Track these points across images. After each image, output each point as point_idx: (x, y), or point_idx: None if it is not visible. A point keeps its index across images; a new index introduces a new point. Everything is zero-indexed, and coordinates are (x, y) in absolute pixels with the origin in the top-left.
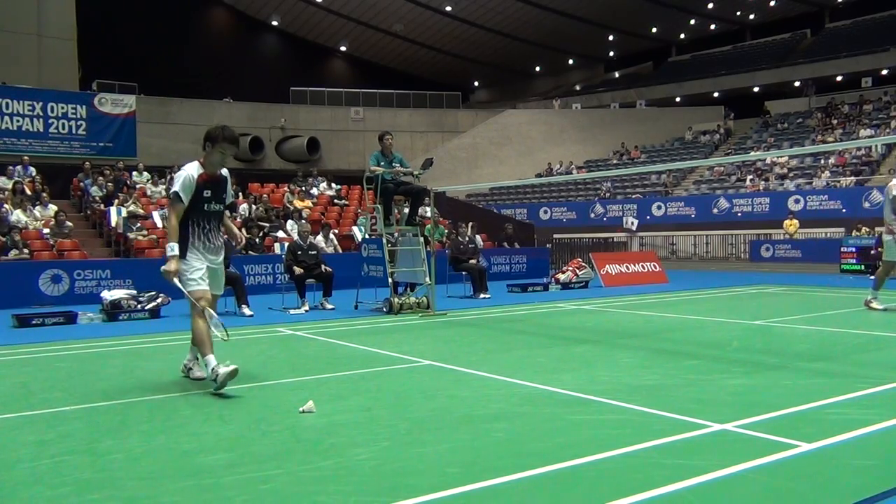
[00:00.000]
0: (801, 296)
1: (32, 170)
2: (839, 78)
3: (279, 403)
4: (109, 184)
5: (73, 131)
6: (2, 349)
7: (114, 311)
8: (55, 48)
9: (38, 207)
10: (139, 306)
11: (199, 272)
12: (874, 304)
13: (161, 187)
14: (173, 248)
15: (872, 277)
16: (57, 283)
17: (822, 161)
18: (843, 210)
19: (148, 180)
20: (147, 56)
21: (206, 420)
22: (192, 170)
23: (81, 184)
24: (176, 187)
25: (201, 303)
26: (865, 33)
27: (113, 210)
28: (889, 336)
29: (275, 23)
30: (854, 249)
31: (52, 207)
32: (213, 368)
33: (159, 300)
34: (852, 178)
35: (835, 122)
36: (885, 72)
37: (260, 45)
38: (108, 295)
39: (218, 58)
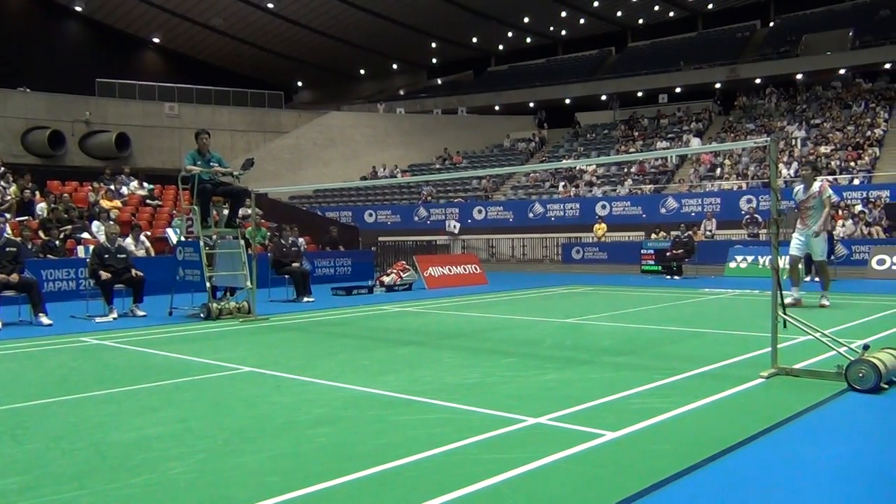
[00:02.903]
0: (607, 295)
1: None
2: (640, 93)
3: (83, 419)
4: None
5: None
6: None
7: None
8: None
9: None
10: None
11: None
12: (825, 302)
13: None
14: None
15: (817, 280)
16: None
17: (626, 170)
18: (644, 215)
19: None
20: None
21: None
22: None
23: None
24: None
25: None
26: (662, 53)
27: None
28: (681, 330)
29: (78, 8)
30: (652, 251)
31: None
32: None
33: None
34: (651, 186)
35: (636, 134)
36: (678, 89)
37: (61, 32)
38: None
39: (11, 43)
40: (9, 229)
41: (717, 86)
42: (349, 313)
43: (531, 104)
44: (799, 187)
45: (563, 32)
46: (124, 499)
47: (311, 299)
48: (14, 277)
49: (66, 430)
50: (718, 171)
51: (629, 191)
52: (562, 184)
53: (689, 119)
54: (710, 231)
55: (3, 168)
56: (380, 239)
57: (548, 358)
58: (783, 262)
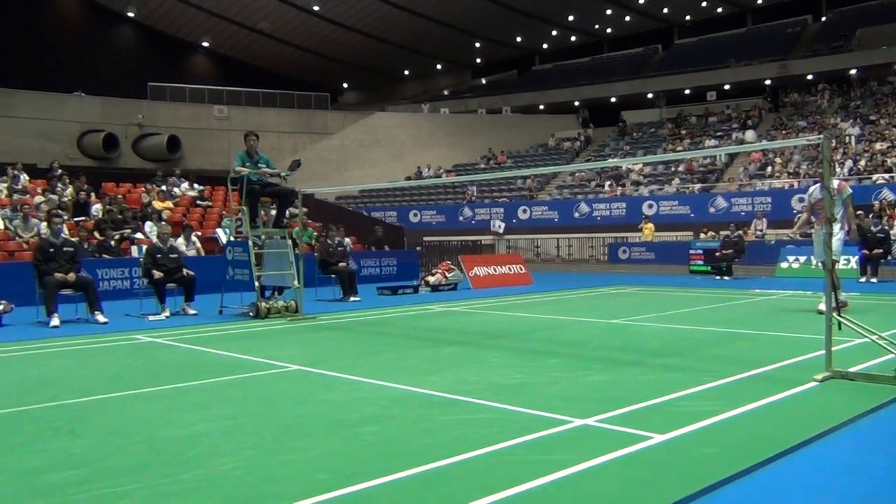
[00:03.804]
0: (655, 295)
1: None
2: (687, 91)
3: (137, 414)
4: None
5: None
6: None
7: None
8: None
9: None
10: None
11: None
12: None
13: (2, 185)
14: None
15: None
16: None
17: (673, 169)
18: (692, 215)
19: None
20: None
21: (54, 435)
22: None
23: None
24: None
25: None
26: (709, 50)
27: None
28: (731, 332)
29: (130, 14)
30: (701, 251)
31: None
32: None
33: (0, 307)
34: (699, 185)
35: (683, 132)
36: (727, 86)
37: (114, 37)
38: None
39: (67, 49)
40: (66, 230)
41: (767, 82)
42: (395, 313)
43: (576, 103)
44: (814, 186)
45: (609, 30)
46: (177, 493)
47: (357, 299)
48: (71, 276)
49: (120, 425)
50: (769, 169)
51: (677, 190)
52: (608, 183)
53: (739, 116)
54: (761, 231)
55: (59, 170)
56: (425, 239)
57: (594, 359)
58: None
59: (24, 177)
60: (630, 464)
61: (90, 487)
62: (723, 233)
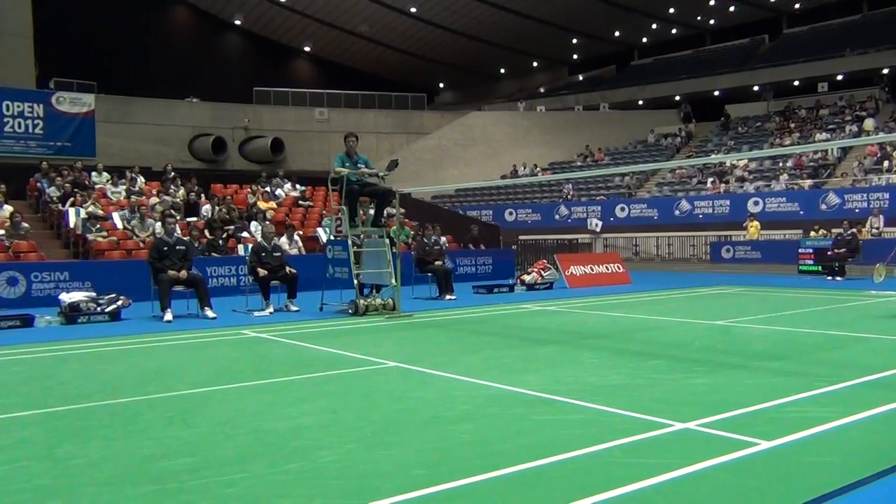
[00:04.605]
0: (761, 296)
1: None
2: (796, 83)
3: (243, 406)
4: (67, 184)
5: (30, 130)
6: None
7: (72, 314)
8: (12, 46)
9: None
10: (99, 309)
11: None
12: None
13: (122, 188)
14: None
15: None
16: (13, 286)
17: (781, 164)
18: (801, 212)
19: (107, 181)
20: (106, 54)
21: (168, 424)
22: None
23: (38, 184)
24: None
25: None
26: (821, 39)
27: (71, 211)
28: (844, 335)
29: (238, 22)
30: (811, 250)
31: (8, 208)
32: None
33: (119, 302)
34: (809, 180)
35: (792, 125)
36: (840, 77)
37: (223, 45)
38: (67, 297)
39: (180, 57)
40: (178, 229)
41: (885, 71)
42: (490, 311)
43: (677, 97)
44: None
45: (712, 21)
46: (281, 483)
47: (453, 297)
48: (183, 274)
49: (228, 416)
50: (886, 163)
51: (785, 186)
52: (710, 180)
53: (853, 108)
54: (878, 228)
55: (173, 173)
56: (520, 237)
57: (696, 361)
58: None
59: (141, 179)
60: (735, 471)
61: (202, 475)
62: (835, 231)
